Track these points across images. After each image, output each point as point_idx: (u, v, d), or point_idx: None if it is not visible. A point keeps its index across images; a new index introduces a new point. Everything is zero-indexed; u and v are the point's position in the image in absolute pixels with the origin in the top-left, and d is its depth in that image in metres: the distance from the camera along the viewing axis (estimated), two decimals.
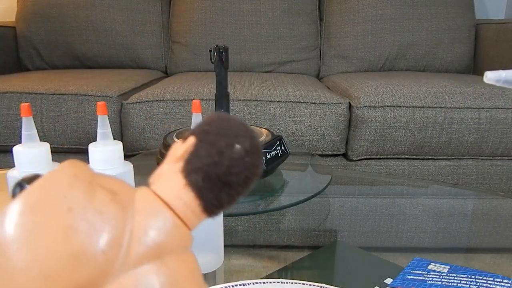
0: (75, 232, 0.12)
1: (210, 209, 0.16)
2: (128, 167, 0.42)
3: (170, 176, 0.16)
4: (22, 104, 0.38)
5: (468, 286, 0.43)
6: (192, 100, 1.10)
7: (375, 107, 1.12)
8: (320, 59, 1.73)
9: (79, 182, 0.13)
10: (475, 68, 1.72)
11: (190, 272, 0.14)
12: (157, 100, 1.13)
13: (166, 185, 0.16)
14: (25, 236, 0.12)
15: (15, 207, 0.13)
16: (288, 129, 1.13)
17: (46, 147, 0.41)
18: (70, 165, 0.14)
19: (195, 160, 0.15)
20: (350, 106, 1.16)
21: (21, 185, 0.14)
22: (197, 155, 0.15)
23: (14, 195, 0.13)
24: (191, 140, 0.16)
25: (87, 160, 0.41)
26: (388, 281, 0.46)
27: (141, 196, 0.15)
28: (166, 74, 1.74)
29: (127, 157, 0.76)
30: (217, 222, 0.46)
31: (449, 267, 0.48)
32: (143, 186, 0.16)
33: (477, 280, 0.44)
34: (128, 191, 0.15)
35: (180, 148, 0.17)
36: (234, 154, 0.15)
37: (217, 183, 0.15)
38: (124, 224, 0.13)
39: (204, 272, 0.44)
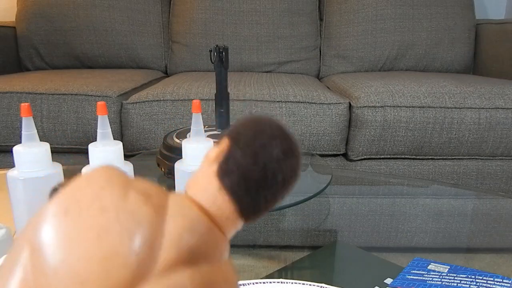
0: (108, 233, 0.12)
1: (246, 214, 0.15)
2: (128, 167, 0.42)
3: (204, 180, 0.15)
4: (22, 104, 0.38)
5: (468, 286, 0.43)
6: (192, 100, 1.11)
7: (375, 107, 1.12)
8: (320, 59, 1.73)
9: (112, 184, 0.13)
10: (475, 68, 1.72)
11: (226, 281, 0.14)
12: (157, 100, 1.13)
13: (200, 189, 0.15)
14: (59, 238, 0.12)
15: (50, 209, 0.13)
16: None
17: (46, 147, 0.41)
18: (104, 168, 0.14)
19: (230, 163, 0.15)
20: (350, 106, 1.16)
21: (56, 189, 0.14)
22: (231, 157, 0.15)
23: (50, 199, 0.14)
24: (225, 142, 0.15)
25: (87, 160, 0.41)
26: (388, 281, 0.46)
27: (175, 200, 0.14)
28: (166, 74, 1.74)
29: (127, 157, 0.76)
30: None
31: (449, 267, 0.48)
32: (177, 191, 0.16)
33: (477, 280, 0.44)
34: (162, 195, 0.14)
35: (214, 151, 0.16)
36: (270, 155, 0.15)
37: (253, 186, 0.14)
38: (157, 227, 0.13)
39: None
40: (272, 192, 0.15)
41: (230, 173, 0.14)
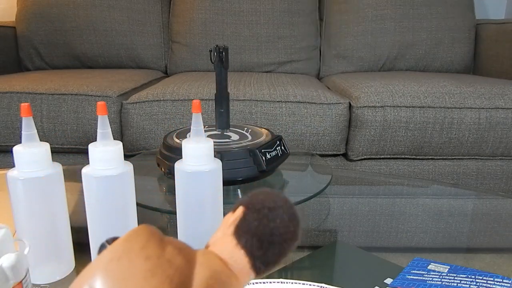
0: (152, 275, 0.15)
1: (258, 266, 0.18)
2: (128, 167, 0.42)
3: (224, 239, 0.18)
4: (22, 104, 0.38)
5: (468, 286, 0.43)
6: (192, 100, 1.11)
7: (375, 107, 1.12)
8: (320, 59, 1.73)
9: (153, 238, 0.16)
10: (475, 68, 1.72)
11: None
12: (157, 100, 1.13)
13: (221, 246, 0.18)
14: (115, 278, 0.15)
15: (106, 256, 0.16)
16: (288, 129, 1.13)
17: (46, 147, 0.41)
18: (144, 227, 0.17)
19: (244, 224, 0.18)
20: (350, 106, 1.16)
21: (104, 245, 0.17)
22: (245, 220, 0.18)
23: (99, 252, 0.17)
24: (240, 209, 0.19)
25: (87, 160, 0.41)
26: (388, 281, 0.46)
27: (202, 253, 0.17)
28: (166, 74, 1.74)
29: (127, 157, 0.76)
30: (217, 222, 0.46)
31: (449, 267, 0.48)
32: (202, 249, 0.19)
33: (477, 280, 0.44)
34: (191, 249, 0.17)
35: (231, 216, 0.19)
36: (277, 218, 0.18)
37: (264, 243, 0.17)
38: (189, 273, 0.16)
39: None
40: (279, 248, 0.18)
41: (245, 232, 0.18)
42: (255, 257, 0.17)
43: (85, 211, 0.42)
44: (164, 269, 0.16)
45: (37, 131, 0.41)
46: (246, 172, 0.63)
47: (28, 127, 0.40)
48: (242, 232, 0.18)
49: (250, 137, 0.70)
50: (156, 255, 0.16)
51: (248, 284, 0.43)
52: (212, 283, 0.16)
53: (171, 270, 0.16)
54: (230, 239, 0.18)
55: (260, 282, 0.43)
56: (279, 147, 0.69)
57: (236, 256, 0.18)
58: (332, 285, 0.42)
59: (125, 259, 0.15)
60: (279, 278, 0.45)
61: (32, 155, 0.40)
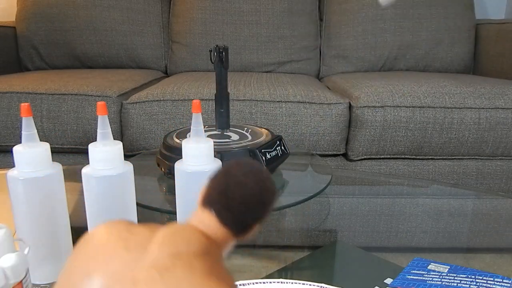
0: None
1: (229, 226, 0.17)
2: (128, 167, 0.42)
3: (198, 211, 0.18)
4: (22, 104, 0.38)
5: (468, 286, 0.43)
6: (192, 100, 1.11)
7: (375, 107, 1.12)
8: (320, 59, 1.73)
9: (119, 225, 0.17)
10: (475, 68, 1.72)
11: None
12: (157, 100, 1.13)
13: (194, 219, 0.18)
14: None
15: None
16: (288, 129, 1.13)
17: (46, 147, 0.41)
18: (103, 226, 0.17)
19: (209, 189, 0.18)
20: (350, 106, 1.16)
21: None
22: (210, 186, 0.18)
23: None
24: (208, 181, 0.19)
25: (87, 160, 0.41)
26: (388, 281, 0.46)
27: (170, 225, 0.18)
28: (166, 74, 1.74)
29: (127, 157, 0.76)
30: None
31: (449, 267, 0.48)
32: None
33: (477, 280, 0.44)
34: (156, 226, 0.18)
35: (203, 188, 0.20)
36: (239, 177, 0.18)
37: (229, 203, 0.17)
38: (151, 236, 0.16)
39: None
40: (252, 210, 0.18)
41: (209, 195, 0.18)
42: (224, 217, 0.17)
43: (85, 211, 0.42)
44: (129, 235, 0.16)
45: (37, 131, 0.41)
46: None
47: (28, 127, 0.40)
48: (206, 196, 0.18)
49: (250, 137, 0.70)
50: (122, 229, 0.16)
51: (247, 285, 0.43)
52: (170, 235, 0.16)
53: (134, 237, 0.16)
54: (200, 209, 0.18)
55: (260, 282, 0.43)
56: (279, 147, 0.69)
57: (204, 219, 0.18)
58: (332, 285, 0.42)
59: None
60: (279, 278, 0.45)
61: (32, 155, 0.40)
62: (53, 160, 0.42)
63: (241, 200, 0.17)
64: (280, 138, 0.71)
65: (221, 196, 0.18)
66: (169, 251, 0.15)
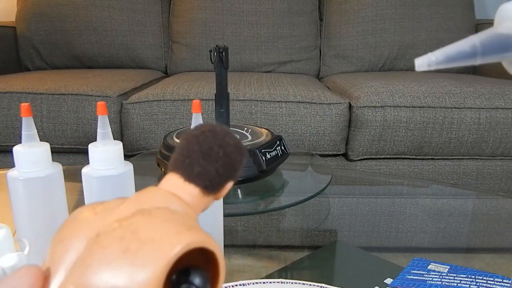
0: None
1: (194, 182, 0.17)
2: (128, 167, 0.42)
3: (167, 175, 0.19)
4: (22, 104, 0.38)
5: (468, 286, 0.43)
6: (192, 100, 1.11)
7: (375, 107, 1.12)
8: (320, 59, 1.73)
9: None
10: (475, 68, 1.72)
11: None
12: (157, 100, 1.13)
13: (165, 183, 0.18)
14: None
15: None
16: (288, 129, 1.13)
17: (46, 147, 0.41)
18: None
19: (173, 156, 0.18)
20: (350, 106, 1.16)
21: None
22: (174, 154, 0.18)
23: None
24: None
25: (87, 160, 0.41)
26: (388, 281, 0.46)
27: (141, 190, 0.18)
28: (166, 74, 1.74)
29: (127, 157, 0.76)
30: (217, 222, 0.46)
31: (449, 267, 0.48)
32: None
33: (477, 280, 0.44)
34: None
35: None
36: (198, 136, 0.18)
37: (191, 161, 0.17)
38: (122, 202, 0.17)
39: None
40: (218, 163, 0.18)
41: (175, 157, 0.18)
42: (189, 173, 0.17)
43: None
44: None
45: (37, 131, 0.41)
46: (246, 172, 0.63)
47: (28, 127, 0.40)
48: (173, 164, 0.18)
49: (250, 137, 0.70)
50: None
51: (247, 285, 0.43)
52: (137, 195, 0.17)
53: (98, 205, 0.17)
54: (168, 175, 0.18)
55: (260, 282, 0.43)
56: (279, 147, 0.69)
57: (171, 179, 0.18)
58: (332, 285, 0.42)
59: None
60: (279, 278, 0.45)
61: (32, 155, 0.40)
62: (53, 160, 0.42)
63: (200, 154, 0.18)
64: (280, 138, 0.71)
65: (183, 157, 0.18)
66: (133, 208, 0.16)
